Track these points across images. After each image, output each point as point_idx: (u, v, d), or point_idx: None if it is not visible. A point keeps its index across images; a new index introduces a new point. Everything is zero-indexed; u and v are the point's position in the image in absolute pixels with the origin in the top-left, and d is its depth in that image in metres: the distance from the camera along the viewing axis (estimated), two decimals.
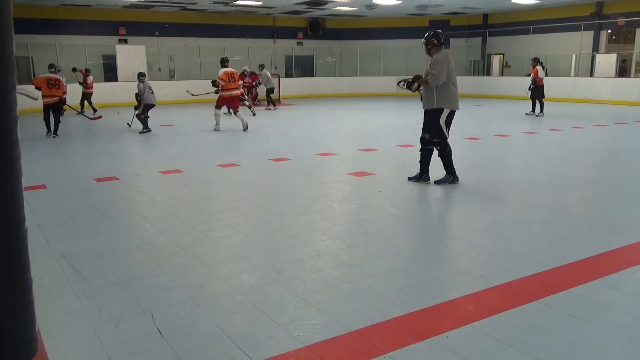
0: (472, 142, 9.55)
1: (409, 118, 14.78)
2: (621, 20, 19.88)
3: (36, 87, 10.92)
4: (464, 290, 3.26)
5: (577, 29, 20.51)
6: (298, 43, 25.47)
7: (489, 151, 8.90)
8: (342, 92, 23.50)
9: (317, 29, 25.80)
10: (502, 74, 23.94)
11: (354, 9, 22.34)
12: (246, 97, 18.48)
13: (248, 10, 22.30)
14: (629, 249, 3.98)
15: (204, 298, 3.19)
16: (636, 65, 14.57)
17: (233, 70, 11.93)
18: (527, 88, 13.95)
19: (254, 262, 3.80)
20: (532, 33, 21.95)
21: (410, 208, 5.43)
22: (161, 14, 21.80)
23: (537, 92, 13.89)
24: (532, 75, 13.91)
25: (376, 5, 20.82)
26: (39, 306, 1.86)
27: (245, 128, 11.48)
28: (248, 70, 18.43)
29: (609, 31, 21.17)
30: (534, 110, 14.06)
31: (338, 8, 22.03)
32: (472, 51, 24.73)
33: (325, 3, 20.64)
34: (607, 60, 19.43)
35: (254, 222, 4.97)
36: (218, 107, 11.84)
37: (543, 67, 13.74)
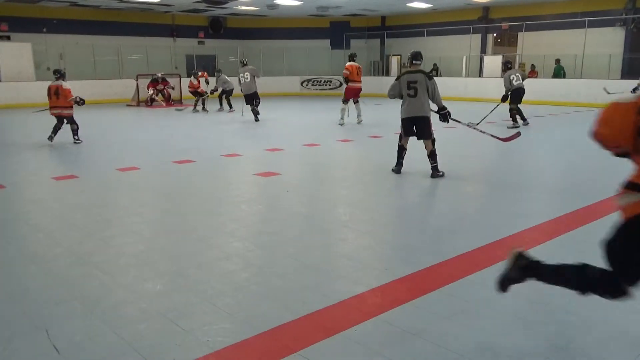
0: (374, 140, 9.87)
1: (314, 117, 14.99)
2: (505, 25, 21.48)
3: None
4: (369, 284, 3.36)
5: (466, 32, 21.87)
6: (199, 42, 24.91)
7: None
8: None
9: (218, 28, 25.37)
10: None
11: (255, 8, 22.22)
12: (156, 98, 17.93)
13: (145, 8, 21.45)
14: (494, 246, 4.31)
15: (106, 309, 3.03)
16: (519, 66, 15.94)
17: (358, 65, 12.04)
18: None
19: (159, 268, 3.68)
20: (427, 35, 23.07)
21: (317, 207, 5.51)
22: (48, 9, 20.35)
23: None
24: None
25: (277, 5, 20.86)
26: None
27: (359, 121, 12.04)
28: (160, 76, 18.06)
29: (495, 34, 22.80)
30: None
31: (239, 7, 21.81)
32: (371, 52, 25.52)
33: (226, 2, 20.35)
34: (494, 61, 20.92)
35: (158, 227, 4.80)
36: (345, 100, 11.71)
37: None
